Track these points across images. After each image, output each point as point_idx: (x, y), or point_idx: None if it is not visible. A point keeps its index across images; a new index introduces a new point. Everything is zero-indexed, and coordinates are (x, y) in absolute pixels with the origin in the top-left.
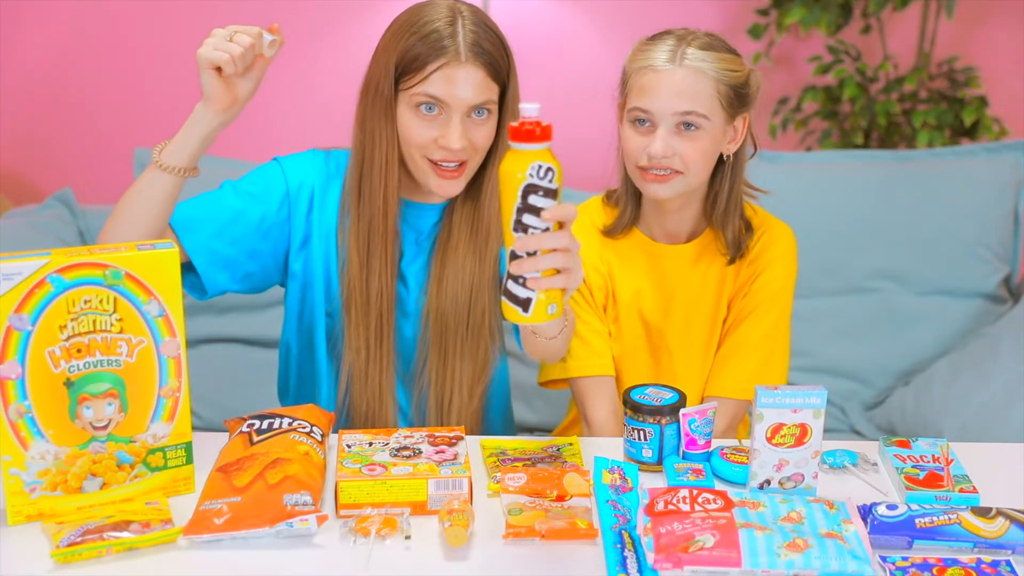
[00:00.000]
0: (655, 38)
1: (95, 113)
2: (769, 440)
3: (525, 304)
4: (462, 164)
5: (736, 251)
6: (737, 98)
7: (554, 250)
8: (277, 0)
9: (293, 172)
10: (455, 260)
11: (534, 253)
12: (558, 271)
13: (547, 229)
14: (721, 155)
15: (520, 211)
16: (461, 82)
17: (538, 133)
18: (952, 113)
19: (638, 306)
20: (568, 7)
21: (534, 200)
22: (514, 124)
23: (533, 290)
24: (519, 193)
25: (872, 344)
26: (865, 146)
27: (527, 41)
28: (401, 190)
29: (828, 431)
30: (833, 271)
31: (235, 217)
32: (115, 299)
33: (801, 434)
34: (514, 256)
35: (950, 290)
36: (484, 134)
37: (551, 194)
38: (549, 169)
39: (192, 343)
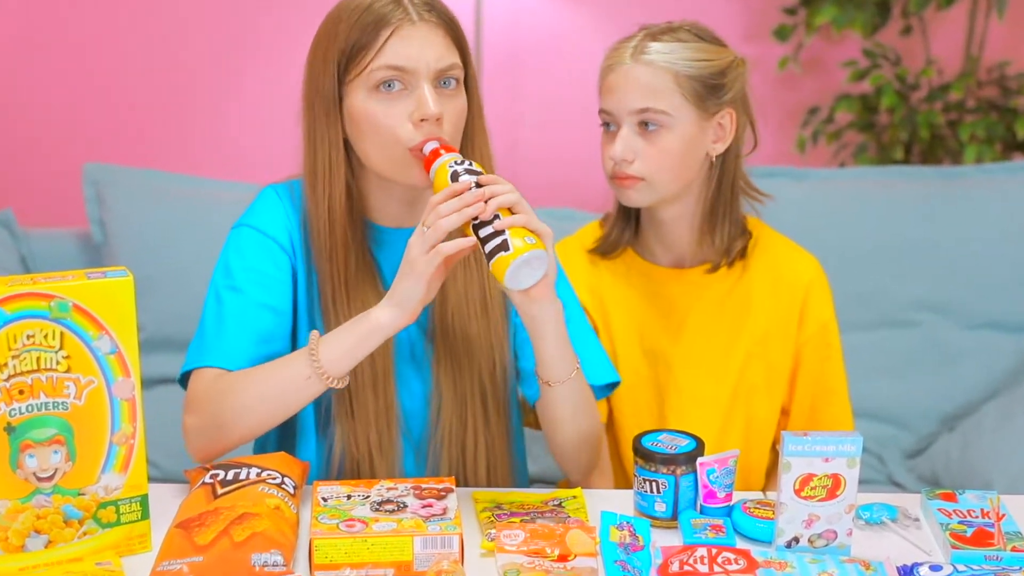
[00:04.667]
0: (629, 36)
1: (39, 127)
2: (797, 492)
3: (504, 246)
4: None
5: (721, 259)
6: (709, 91)
7: (496, 193)
8: (236, 15)
9: (280, 234)
10: (455, 286)
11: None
12: (510, 211)
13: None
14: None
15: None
16: (420, 42)
17: (442, 151)
18: (1003, 125)
19: (639, 335)
20: (570, 5)
21: (465, 177)
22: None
23: (501, 230)
24: (448, 176)
25: (913, 384)
26: (905, 162)
27: (524, 42)
28: (371, 213)
29: (864, 482)
30: (869, 302)
31: (277, 324)
32: (61, 334)
33: (833, 486)
34: (476, 227)
35: (1001, 323)
36: (457, 109)
37: (473, 172)
38: (465, 160)
39: (148, 383)
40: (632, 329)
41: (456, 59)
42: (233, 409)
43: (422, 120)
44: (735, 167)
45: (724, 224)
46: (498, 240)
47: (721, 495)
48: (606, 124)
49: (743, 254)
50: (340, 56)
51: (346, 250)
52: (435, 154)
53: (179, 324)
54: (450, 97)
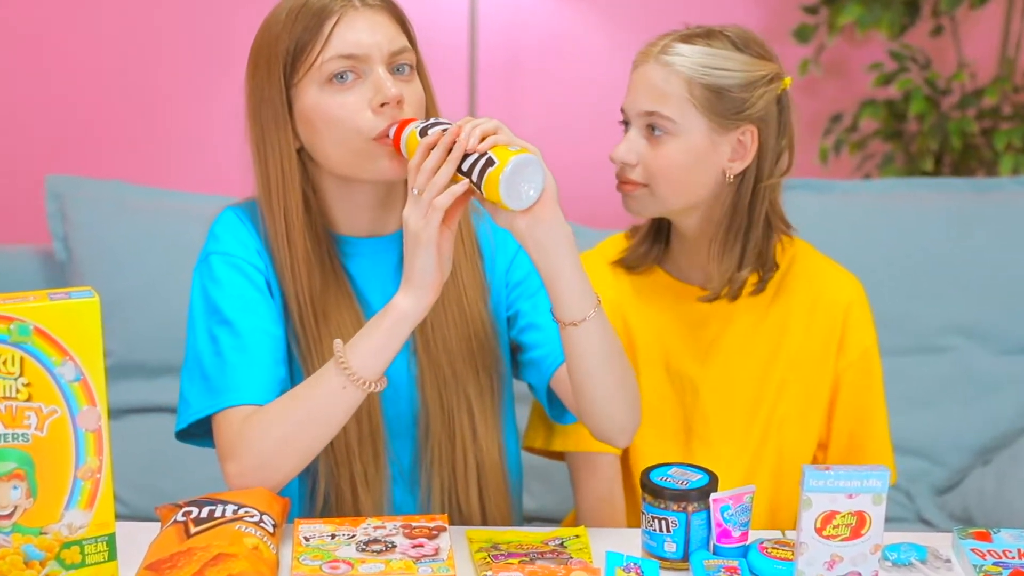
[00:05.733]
0: (665, 33)
1: None
2: (819, 531)
3: (490, 162)
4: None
5: (721, 289)
6: (724, 103)
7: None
8: (209, 18)
9: (250, 255)
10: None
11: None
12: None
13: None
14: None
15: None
16: (368, 26)
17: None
18: None
19: (664, 357)
20: (571, 3)
21: (434, 130)
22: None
23: (484, 152)
24: (418, 136)
25: (944, 414)
26: (935, 173)
27: (522, 43)
28: (339, 226)
29: (891, 520)
30: (897, 325)
31: (278, 348)
32: (22, 359)
33: (858, 524)
34: (460, 168)
35: None
36: (416, 93)
37: (441, 123)
38: (429, 119)
39: (116, 413)
40: (657, 350)
41: (406, 44)
42: (275, 443)
43: (382, 105)
44: (756, 192)
45: (732, 253)
46: (483, 161)
47: (736, 534)
48: (623, 123)
49: (762, 288)
50: (285, 56)
51: (308, 266)
52: (400, 128)
53: (149, 349)
54: (406, 82)
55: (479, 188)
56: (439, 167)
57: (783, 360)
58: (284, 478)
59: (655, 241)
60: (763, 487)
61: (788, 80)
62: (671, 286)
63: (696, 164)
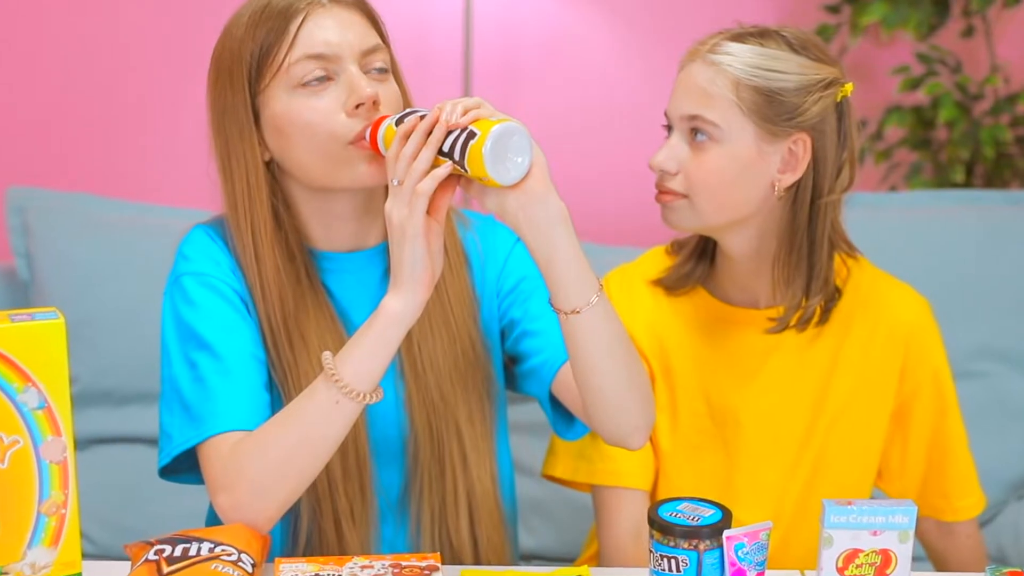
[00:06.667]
0: (717, 32)
1: None
2: (841, 571)
3: (472, 135)
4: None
5: (790, 318)
6: (774, 107)
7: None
8: (185, 21)
9: (225, 273)
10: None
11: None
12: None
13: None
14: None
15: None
16: (337, 23)
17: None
18: None
19: (703, 386)
20: (573, 0)
21: (410, 118)
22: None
23: (465, 127)
24: (395, 127)
25: (976, 445)
26: (966, 185)
27: (521, 44)
28: (316, 241)
29: (918, 559)
30: None
31: (261, 371)
32: None
33: (883, 563)
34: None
35: None
36: (393, 94)
37: (416, 111)
38: (404, 110)
39: (83, 443)
40: (696, 379)
41: (379, 41)
42: (270, 469)
43: (357, 106)
44: (815, 210)
45: (798, 279)
46: (464, 135)
47: (752, 574)
48: (667, 128)
49: (824, 318)
50: (249, 62)
51: (280, 286)
52: (375, 127)
53: (119, 374)
54: (381, 82)
55: (463, 167)
56: (419, 152)
57: (837, 389)
58: (280, 507)
59: (701, 258)
60: (813, 523)
61: (850, 86)
62: (715, 308)
63: (741, 174)
